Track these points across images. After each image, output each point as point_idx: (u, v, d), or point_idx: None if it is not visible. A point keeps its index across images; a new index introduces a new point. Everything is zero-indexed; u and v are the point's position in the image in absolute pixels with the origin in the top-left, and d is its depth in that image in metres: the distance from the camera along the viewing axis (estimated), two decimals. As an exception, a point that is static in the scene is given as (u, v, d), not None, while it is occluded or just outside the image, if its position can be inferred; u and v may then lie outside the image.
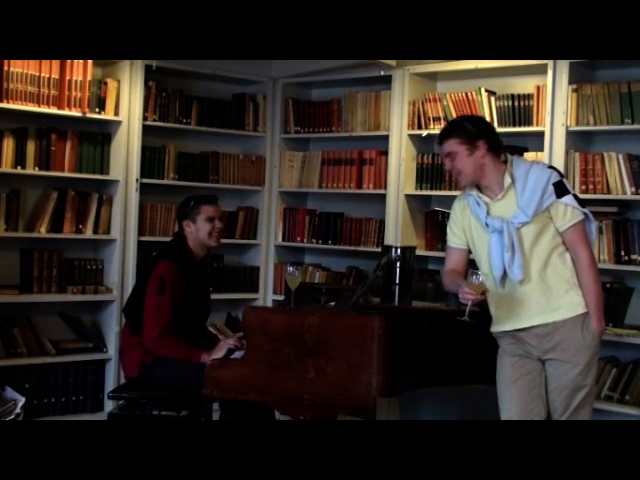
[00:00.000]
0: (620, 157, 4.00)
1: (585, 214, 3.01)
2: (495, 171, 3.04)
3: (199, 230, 3.75)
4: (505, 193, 3.03)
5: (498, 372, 3.11)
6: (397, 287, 3.90)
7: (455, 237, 3.20)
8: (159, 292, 3.58)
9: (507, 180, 3.02)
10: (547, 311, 2.97)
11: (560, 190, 2.97)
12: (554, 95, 4.15)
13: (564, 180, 3.03)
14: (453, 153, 3.04)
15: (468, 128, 3.03)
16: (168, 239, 4.65)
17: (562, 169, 4.08)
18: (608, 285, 4.05)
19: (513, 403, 3.03)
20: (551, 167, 3.08)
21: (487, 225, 3.03)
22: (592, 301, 2.96)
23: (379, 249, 4.70)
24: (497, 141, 3.08)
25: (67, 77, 4.44)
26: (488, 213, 3.04)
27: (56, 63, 4.42)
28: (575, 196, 3.01)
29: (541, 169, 3.02)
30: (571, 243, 2.99)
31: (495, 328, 3.10)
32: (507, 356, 3.08)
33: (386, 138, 4.80)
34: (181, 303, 3.63)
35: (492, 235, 3.02)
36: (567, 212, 2.98)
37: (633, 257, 3.99)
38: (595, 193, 4.07)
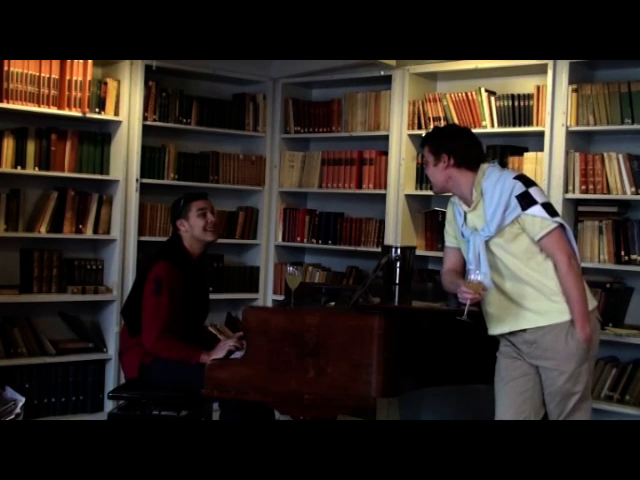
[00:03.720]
0: (620, 157, 4.00)
1: (558, 222, 2.94)
2: (465, 183, 3.05)
3: (193, 227, 3.75)
4: (475, 205, 3.03)
5: (495, 372, 3.12)
6: (397, 287, 3.91)
7: (451, 237, 3.21)
8: (156, 294, 3.58)
9: (474, 193, 3.03)
10: (531, 315, 2.96)
11: (525, 202, 2.92)
12: (554, 95, 4.15)
13: (531, 190, 2.95)
14: (424, 159, 3.19)
15: (437, 139, 3.12)
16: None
17: (562, 169, 4.10)
18: (608, 285, 4.06)
19: (505, 404, 3.04)
20: (518, 177, 3.00)
21: (462, 235, 3.07)
22: (574, 308, 2.92)
23: (379, 249, 4.70)
24: (468, 156, 3.06)
25: (67, 77, 4.44)
26: (465, 222, 3.07)
27: (56, 63, 4.42)
28: (545, 205, 2.94)
29: (506, 181, 2.96)
30: (548, 251, 2.95)
31: (490, 331, 3.11)
32: (503, 357, 3.10)
33: (386, 138, 4.80)
34: (179, 304, 3.63)
35: (467, 244, 3.05)
36: (535, 223, 2.93)
37: (633, 257, 3.99)
38: (595, 193, 4.07)
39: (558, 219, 2.96)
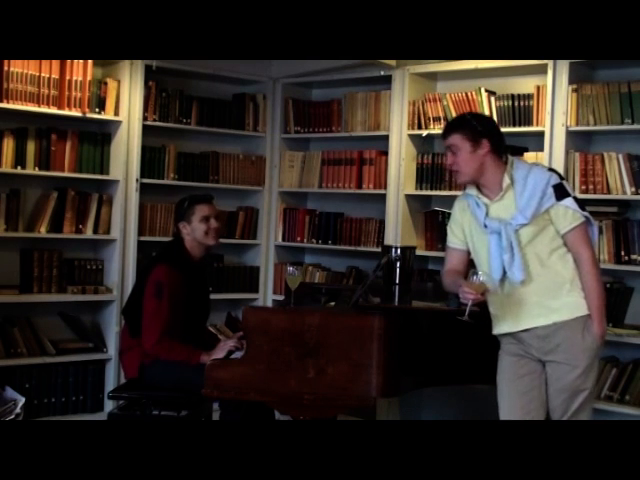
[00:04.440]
0: (620, 157, 4.00)
1: (586, 217, 2.99)
2: (495, 171, 3.03)
3: (195, 230, 3.74)
4: (504, 194, 3.02)
5: (498, 371, 3.11)
6: (397, 287, 3.91)
7: (455, 237, 3.19)
8: (157, 296, 3.57)
9: (506, 181, 3.01)
10: (548, 312, 2.96)
11: (560, 193, 2.96)
12: (554, 95, 4.15)
13: (564, 182, 3.01)
14: (455, 147, 3.04)
15: (474, 125, 3.04)
16: (168, 239, 4.64)
17: (562, 169, 4.09)
18: (608, 285, 4.04)
19: (511, 404, 3.03)
20: (551, 169, 3.07)
21: (486, 226, 3.03)
22: (594, 303, 2.94)
23: (379, 249, 4.70)
24: (501, 142, 3.07)
25: (67, 77, 4.44)
26: (487, 214, 3.04)
27: (56, 63, 4.42)
28: (576, 199, 3.00)
29: (541, 171, 3.01)
30: (573, 245, 2.98)
31: (497, 330, 3.09)
32: (507, 356, 3.08)
33: (386, 138, 4.80)
34: (180, 306, 3.62)
35: (491, 237, 3.01)
36: (567, 215, 2.96)
37: (633, 257, 3.99)
38: (595, 193, 4.07)
39: (586, 214, 2.99)
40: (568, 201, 2.97)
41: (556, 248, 2.98)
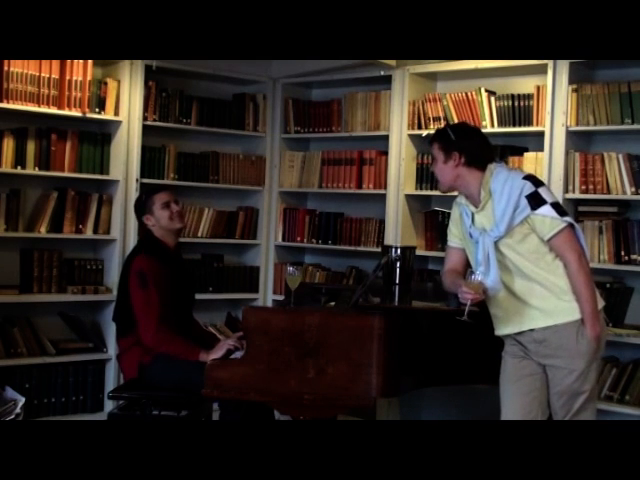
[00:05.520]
0: (620, 157, 4.00)
1: (567, 222, 2.94)
2: (472, 183, 3.04)
3: (159, 219, 3.77)
4: (484, 205, 3.02)
5: (501, 372, 3.12)
6: (397, 287, 3.91)
7: (454, 237, 3.21)
8: (142, 286, 3.58)
9: (482, 192, 3.02)
10: (542, 316, 2.96)
11: (535, 202, 2.92)
12: (554, 95, 4.15)
13: (540, 189, 2.95)
14: (433, 156, 3.15)
15: (449, 137, 3.08)
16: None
17: (562, 169, 4.10)
18: (608, 285, 4.06)
19: (512, 404, 3.04)
20: (527, 177, 3.00)
21: (471, 236, 3.05)
22: (584, 306, 2.92)
23: (379, 249, 4.70)
24: (479, 155, 3.05)
25: (67, 77, 4.44)
26: (473, 223, 3.05)
27: (56, 63, 4.42)
28: (555, 205, 2.94)
29: (515, 181, 2.96)
30: (557, 251, 2.95)
31: (497, 331, 3.11)
32: (509, 357, 3.09)
33: (386, 138, 4.81)
34: (166, 293, 3.63)
35: (475, 245, 3.04)
36: (545, 223, 2.92)
37: (633, 257, 3.99)
38: (595, 193, 4.07)
39: (568, 218, 2.95)
40: (544, 209, 2.92)
41: (543, 255, 2.97)
